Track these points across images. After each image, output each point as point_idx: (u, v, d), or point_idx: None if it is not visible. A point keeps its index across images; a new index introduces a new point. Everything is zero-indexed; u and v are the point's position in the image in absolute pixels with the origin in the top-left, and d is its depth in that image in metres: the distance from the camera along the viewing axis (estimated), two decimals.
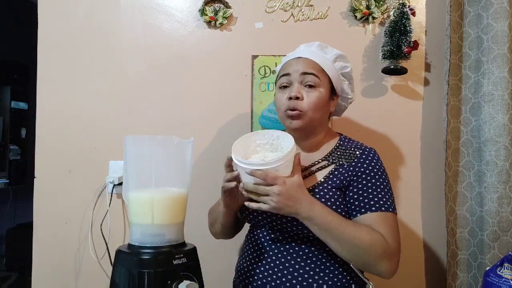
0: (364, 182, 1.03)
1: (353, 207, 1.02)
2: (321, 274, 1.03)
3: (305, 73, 1.07)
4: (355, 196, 1.02)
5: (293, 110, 1.06)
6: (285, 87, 1.10)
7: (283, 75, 1.10)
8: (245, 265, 1.12)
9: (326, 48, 1.14)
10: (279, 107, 1.11)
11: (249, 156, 1.03)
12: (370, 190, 1.02)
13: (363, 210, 1.00)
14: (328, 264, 1.04)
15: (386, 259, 0.96)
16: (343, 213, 1.03)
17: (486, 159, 1.34)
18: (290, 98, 1.06)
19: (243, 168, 0.94)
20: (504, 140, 1.31)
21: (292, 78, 1.08)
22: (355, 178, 1.04)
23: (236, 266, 1.20)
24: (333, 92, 1.13)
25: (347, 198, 1.04)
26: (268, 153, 1.03)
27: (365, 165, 1.05)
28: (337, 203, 1.02)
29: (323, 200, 1.02)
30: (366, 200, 1.01)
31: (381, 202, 1.01)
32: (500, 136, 1.32)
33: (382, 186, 1.04)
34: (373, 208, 1.00)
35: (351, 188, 1.04)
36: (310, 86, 1.07)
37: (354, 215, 1.02)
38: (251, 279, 1.08)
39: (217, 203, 1.21)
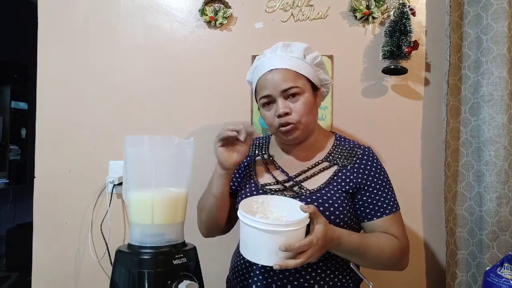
0: (371, 188, 1.07)
1: (364, 214, 1.07)
2: (320, 273, 1.03)
3: (284, 90, 1.05)
4: (366, 204, 1.07)
5: (285, 125, 1.06)
6: (269, 103, 1.08)
7: (264, 96, 1.08)
8: (242, 262, 1.11)
9: (289, 47, 1.10)
10: (269, 124, 1.11)
11: None
12: (378, 196, 1.07)
13: (376, 215, 1.06)
14: (326, 263, 1.04)
15: (404, 259, 1.07)
16: (349, 215, 1.05)
17: (486, 159, 1.34)
18: (279, 116, 1.05)
19: (273, 231, 0.85)
20: (503, 140, 1.32)
21: (273, 96, 1.07)
22: (363, 184, 1.07)
23: (231, 264, 1.19)
24: (314, 88, 1.11)
25: (357, 204, 1.07)
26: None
27: (368, 167, 1.08)
28: (343, 204, 1.04)
29: (330, 201, 1.03)
30: (376, 207, 1.06)
31: (390, 204, 1.07)
32: (500, 136, 1.32)
33: (387, 187, 1.09)
34: (386, 212, 1.06)
35: (361, 194, 1.07)
36: (294, 96, 1.06)
37: (368, 219, 1.07)
38: (248, 277, 1.08)
39: (206, 190, 1.16)
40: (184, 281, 0.86)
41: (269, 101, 1.08)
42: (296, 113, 1.05)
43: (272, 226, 0.86)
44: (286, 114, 1.05)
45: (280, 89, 1.05)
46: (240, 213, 0.90)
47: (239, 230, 0.94)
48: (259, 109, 1.15)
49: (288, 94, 1.06)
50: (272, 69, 1.07)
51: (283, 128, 1.07)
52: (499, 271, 1.08)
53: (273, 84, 1.06)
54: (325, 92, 1.20)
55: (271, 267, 0.91)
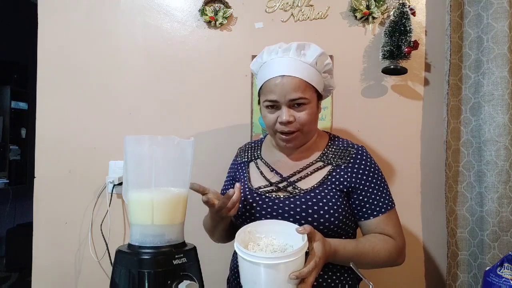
0: (366, 187, 1.07)
1: (360, 213, 1.08)
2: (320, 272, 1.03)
3: (292, 100, 1.04)
4: (362, 204, 1.07)
5: (287, 134, 1.06)
6: (273, 106, 1.07)
7: (269, 101, 1.06)
8: None
9: (303, 49, 1.07)
10: (268, 125, 1.09)
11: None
12: (373, 195, 1.07)
13: (372, 215, 1.07)
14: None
15: (400, 257, 1.08)
16: (344, 213, 1.05)
17: (486, 159, 1.34)
18: (282, 123, 1.05)
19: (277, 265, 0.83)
20: (504, 140, 1.31)
21: (279, 103, 1.05)
22: (357, 184, 1.07)
23: (230, 264, 1.19)
24: (319, 96, 1.11)
25: (353, 204, 1.08)
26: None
27: (362, 166, 1.08)
28: (338, 203, 1.04)
29: (324, 200, 1.03)
30: (373, 206, 1.07)
31: (386, 203, 1.08)
32: (500, 136, 1.32)
33: (382, 186, 1.09)
34: (382, 211, 1.07)
35: (356, 194, 1.07)
36: (299, 105, 1.05)
37: (364, 218, 1.08)
38: None
39: (208, 215, 1.18)
40: (184, 281, 0.85)
41: (274, 105, 1.07)
42: (299, 122, 1.05)
43: (274, 260, 0.83)
44: (289, 122, 1.05)
45: (288, 98, 1.04)
46: (238, 249, 0.87)
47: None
48: (259, 103, 1.14)
49: (295, 103, 1.05)
50: (283, 75, 1.04)
51: (283, 136, 1.07)
52: (499, 271, 1.07)
53: (281, 91, 1.04)
54: (325, 96, 1.19)
55: None
